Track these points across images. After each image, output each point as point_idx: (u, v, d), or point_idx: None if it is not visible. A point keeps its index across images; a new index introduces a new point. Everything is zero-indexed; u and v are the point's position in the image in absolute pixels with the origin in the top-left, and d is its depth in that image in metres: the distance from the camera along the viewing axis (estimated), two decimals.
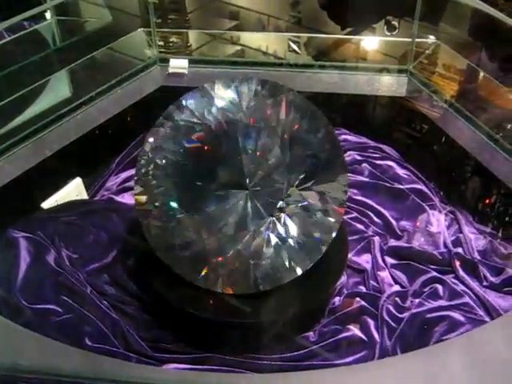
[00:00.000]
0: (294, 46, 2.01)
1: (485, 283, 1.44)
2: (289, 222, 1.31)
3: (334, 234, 1.31)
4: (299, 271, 1.28)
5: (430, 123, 1.79)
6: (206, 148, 1.31)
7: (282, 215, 1.31)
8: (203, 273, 1.27)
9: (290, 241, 1.30)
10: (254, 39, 2.06)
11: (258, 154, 1.31)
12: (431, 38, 1.86)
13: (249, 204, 1.30)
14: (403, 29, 1.97)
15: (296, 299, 1.31)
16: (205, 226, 1.29)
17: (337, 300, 1.41)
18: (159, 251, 1.28)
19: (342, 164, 1.34)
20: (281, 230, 1.30)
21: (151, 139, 1.32)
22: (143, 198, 1.31)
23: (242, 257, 1.28)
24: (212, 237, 1.29)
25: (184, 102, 1.32)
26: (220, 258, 1.28)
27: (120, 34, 1.88)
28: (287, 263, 1.28)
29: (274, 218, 1.31)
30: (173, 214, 1.30)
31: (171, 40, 1.96)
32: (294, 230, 1.31)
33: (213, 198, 1.30)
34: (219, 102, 1.33)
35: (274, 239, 1.30)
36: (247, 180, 1.31)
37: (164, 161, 1.31)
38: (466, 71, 1.80)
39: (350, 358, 1.27)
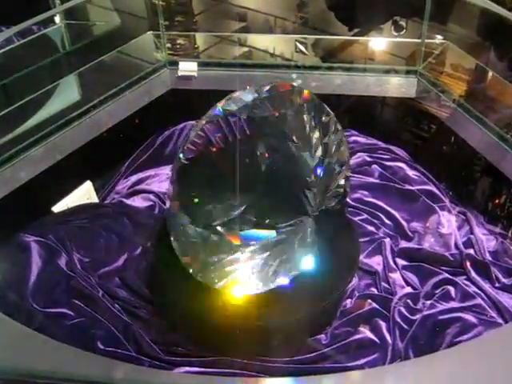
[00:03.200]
0: (302, 48, 2.01)
1: (497, 284, 1.43)
2: None
3: None
4: None
5: (440, 124, 1.78)
6: None
7: None
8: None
9: None
10: (261, 41, 2.06)
11: None
12: (439, 38, 1.86)
13: None
14: (410, 29, 1.97)
15: (307, 301, 1.31)
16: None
17: (348, 302, 1.41)
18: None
19: None
20: None
21: None
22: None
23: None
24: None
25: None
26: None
27: (128, 37, 1.89)
28: None
29: None
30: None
31: (179, 42, 1.96)
32: None
33: None
34: None
35: None
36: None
37: None
38: (475, 71, 1.80)
39: (362, 361, 1.27)
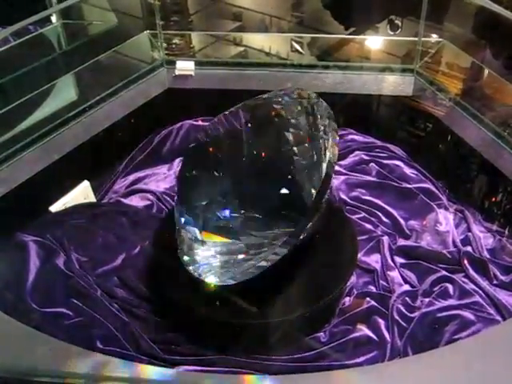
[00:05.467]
0: (298, 47, 2.01)
1: (495, 282, 1.44)
2: None
3: None
4: None
5: (437, 122, 1.79)
6: None
7: None
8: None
9: None
10: (257, 40, 2.06)
11: None
12: (435, 37, 1.86)
13: None
14: (406, 28, 1.97)
15: (306, 299, 1.31)
16: None
17: (347, 300, 1.41)
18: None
19: None
20: None
21: None
22: None
23: None
24: None
25: None
26: None
27: (125, 36, 1.88)
28: None
29: None
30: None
31: (175, 42, 1.96)
32: None
33: None
34: None
35: None
36: None
37: None
38: (472, 69, 1.80)
39: (361, 359, 1.27)
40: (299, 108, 1.32)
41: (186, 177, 1.33)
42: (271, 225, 1.32)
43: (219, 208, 1.34)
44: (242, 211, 1.34)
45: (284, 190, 1.32)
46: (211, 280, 1.22)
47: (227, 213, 1.34)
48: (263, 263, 1.19)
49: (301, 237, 1.21)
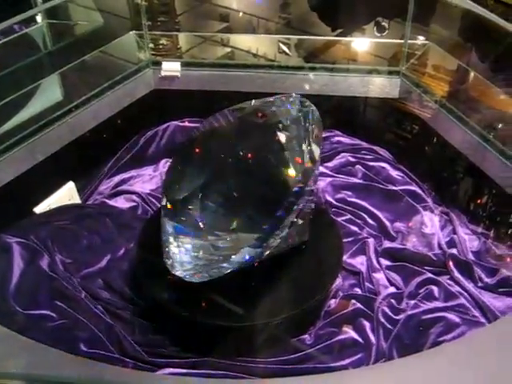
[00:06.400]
0: (285, 48, 2.02)
1: (480, 284, 1.44)
2: None
3: None
4: None
5: (423, 124, 1.79)
6: None
7: None
8: None
9: None
10: (244, 41, 2.06)
11: None
12: (422, 39, 1.87)
13: None
14: (393, 30, 1.98)
15: (291, 301, 1.31)
16: None
17: (332, 302, 1.41)
18: None
19: None
20: None
21: None
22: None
23: None
24: None
25: None
26: None
27: (111, 36, 1.88)
28: None
29: None
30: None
31: (161, 42, 1.95)
32: None
33: None
34: None
35: None
36: None
37: None
38: (458, 72, 1.81)
39: (347, 361, 1.27)
40: (291, 112, 1.32)
41: (173, 171, 1.33)
42: (248, 224, 1.31)
43: (199, 203, 1.32)
44: (222, 207, 1.33)
45: (262, 191, 1.31)
46: (180, 275, 1.23)
47: (207, 207, 1.33)
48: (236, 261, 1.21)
49: (271, 241, 1.22)
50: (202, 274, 1.23)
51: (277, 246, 1.26)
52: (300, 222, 1.31)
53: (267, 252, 1.25)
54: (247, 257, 1.22)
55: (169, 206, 1.28)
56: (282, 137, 1.29)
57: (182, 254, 1.25)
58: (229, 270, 1.22)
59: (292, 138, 1.28)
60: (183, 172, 1.31)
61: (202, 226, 1.27)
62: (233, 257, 1.22)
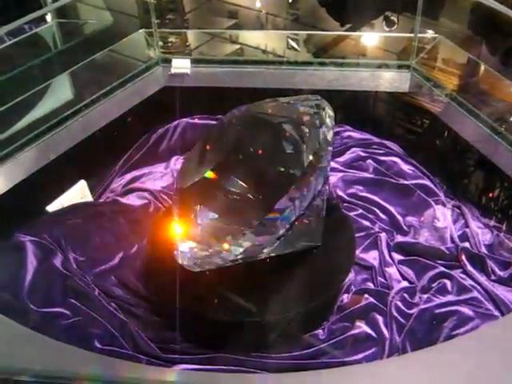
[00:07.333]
0: (294, 44, 2.01)
1: (493, 277, 1.44)
2: None
3: None
4: None
5: (434, 118, 1.79)
6: None
7: None
8: None
9: None
10: (253, 37, 2.06)
11: None
12: (431, 33, 1.86)
13: None
14: (402, 24, 1.97)
15: (304, 297, 1.31)
16: None
17: (345, 297, 1.41)
18: None
19: None
20: None
21: None
22: None
23: None
24: None
25: None
26: None
27: (121, 35, 1.88)
28: None
29: None
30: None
31: (170, 40, 1.96)
32: None
33: None
34: None
35: None
36: None
37: None
38: (468, 65, 1.80)
39: (360, 355, 1.27)
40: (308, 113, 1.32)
41: (188, 162, 1.33)
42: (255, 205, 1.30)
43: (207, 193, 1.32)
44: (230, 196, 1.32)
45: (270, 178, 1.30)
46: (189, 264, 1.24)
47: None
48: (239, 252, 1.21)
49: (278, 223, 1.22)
50: (211, 262, 1.23)
51: (286, 239, 1.26)
52: (307, 220, 1.31)
53: (275, 236, 1.25)
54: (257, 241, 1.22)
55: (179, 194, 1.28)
56: (295, 135, 1.28)
57: (190, 243, 1.25)
58: (238, 256, 1.22)
59: (305, 138, 1.28)
60: (196, 162, 1.31)
61: (210, 214, 1.27)
62: (240, 241, 1.21)
